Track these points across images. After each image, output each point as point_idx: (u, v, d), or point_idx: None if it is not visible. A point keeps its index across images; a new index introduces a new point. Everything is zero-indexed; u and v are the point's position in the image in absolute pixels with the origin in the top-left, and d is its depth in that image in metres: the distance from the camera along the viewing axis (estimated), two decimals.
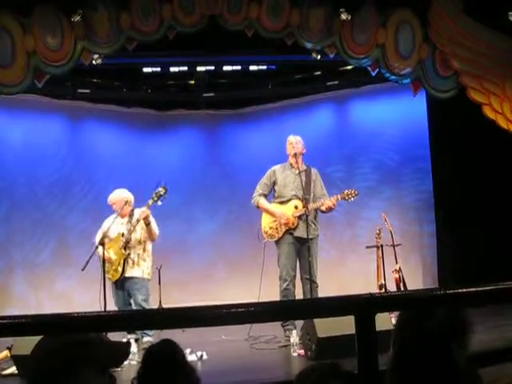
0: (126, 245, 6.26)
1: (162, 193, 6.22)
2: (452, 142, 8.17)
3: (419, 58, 6.75)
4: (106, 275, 6.19)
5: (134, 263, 6.31)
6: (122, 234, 6.28)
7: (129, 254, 6.29)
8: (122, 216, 6.42)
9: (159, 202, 6.24)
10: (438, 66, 6.82)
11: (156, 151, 9.64)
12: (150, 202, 6.21)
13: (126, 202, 6.42)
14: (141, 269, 6.35)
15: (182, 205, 7.11)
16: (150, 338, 6.15)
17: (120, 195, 6.47)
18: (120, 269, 6.24)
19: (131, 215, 6.41)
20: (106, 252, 6.18)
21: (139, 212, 6.24)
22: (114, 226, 6.31)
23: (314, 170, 6.58)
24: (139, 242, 6.37)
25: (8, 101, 7.47)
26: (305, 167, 6.53)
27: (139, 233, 6.36)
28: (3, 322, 1.47)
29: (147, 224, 6.24)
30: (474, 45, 6.72)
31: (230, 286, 9.21)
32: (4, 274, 8.56)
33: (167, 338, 2.62)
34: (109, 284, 6.21)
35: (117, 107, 9.56)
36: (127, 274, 6.27)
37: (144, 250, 6.42)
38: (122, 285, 6.32)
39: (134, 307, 6.22)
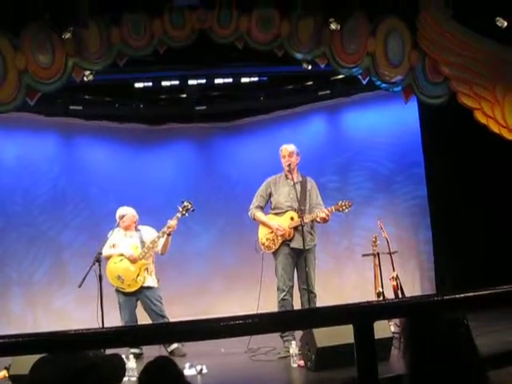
0: (145, 255, 6.66)
1: (189, 207, 6.73)
2: (445, 148, 8.19)
3: (409, 65, 6.79)
4: (119, 287, 6.62)
5: (148, 273, 6.72)
6: (143, 245, 6.74)
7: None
8: (126, 229, 6.86)
9: (186, 215, 6.75)
10: (429, 73, 6.85)
11: (150, 166, 9.62)
12: (179, 215, 6.69)
13: (134, 217, 6.94)
14: (152, 278, 6.77)
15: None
16: (178, 344, 6.51)
17: (131, 210, 6.94)
18: (141, 278, 6.62)
19: (137, 230, 6.91)
20: (118, 264, 6.66)
21: (170, 223, 6.61)
22: (122, 238, 6.80)
23: (309, 180, 6.59)
24: (152, 252, 6.80)
25: (0, 119, 7.46)
26: (300, 178, 6.53)
27: (160, 244, 6.74)
28: (0, 341, 1.46)
29: (169, 235, 6.66)
30: (463, 50, 6.75)
31: (227, 299, 9.18)
32: (0, 293, 8.52)
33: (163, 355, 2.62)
34: (107, 300, 6.22)
35: (109, 123, 9.55)
36: (145, 284, 6.65)
37: (152, 261, 6.86)
38: (134, 295, 6.66)
39: (153, 317, 6.63)
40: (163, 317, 6.63)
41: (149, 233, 6.88)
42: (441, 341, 1.74)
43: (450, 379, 1.70)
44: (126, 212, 6.88)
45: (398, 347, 5.23)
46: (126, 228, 6.86)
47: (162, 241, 6.72)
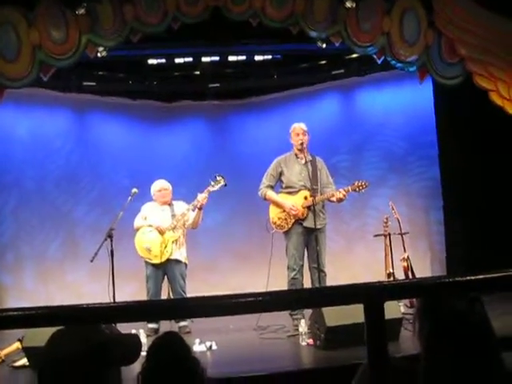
0: (174, 227, 6.63)
1: (221, 182, 6.69)
2: (459, 129, 8.12)
3: (425, 44, 6.71)
4: (147, 258, 6.63)
5: (177, 246, 6.65)
6: (173, 219, 6.67)
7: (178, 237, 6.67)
8: (163, 204, 6.80)
9: (216, 189, 6.72)
10: (444, 53, 6.78)
11: (162, 143, 9.63)
12: (210, 189, 6.66)
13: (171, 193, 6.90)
14: (180, 252, 6.69)
15: (188, 196, 7.11)
16: (185, 322, 6.49)
17: (169, 185, 6.90)
18: (168, 250, 6.55)
19: (171, 204, 6.83)
20: (146, 235, 6.64)
21: (199, 197, 6.59)
22: (155, 212, 6.77)
23: (319, 159, 6.58)
24: (183, 226, 6.75)
25: (14, 95, 7.48)
26: (310, 157, 6.52)
27: (191, 217, 6.72)
28: (14, 313, 1.47)
29: (200, 209, 6.64)
30: (479, 30, 6.66)
31: (236, 277, 9.21)
32: (14, 268, 8.61)
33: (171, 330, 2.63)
34: (118, 275, 6.27)
35: (122, 99, 9.55)
36: (172, 257, 6.59)
37: (184, 235, 6.78)
38: (161, 267, 6.62)
39: (174, 291, 6.61)
40: (182, 295, 6.56)
41: (180, 207, 6.81)
42: (456, 321, 1.74)
43: (465, 360, 1.71)
44: (167, 186, 6.87)
45: (407, 328, 5.24)
46: (164, 202, 6.83)
47: (192, 214, 6.70)
